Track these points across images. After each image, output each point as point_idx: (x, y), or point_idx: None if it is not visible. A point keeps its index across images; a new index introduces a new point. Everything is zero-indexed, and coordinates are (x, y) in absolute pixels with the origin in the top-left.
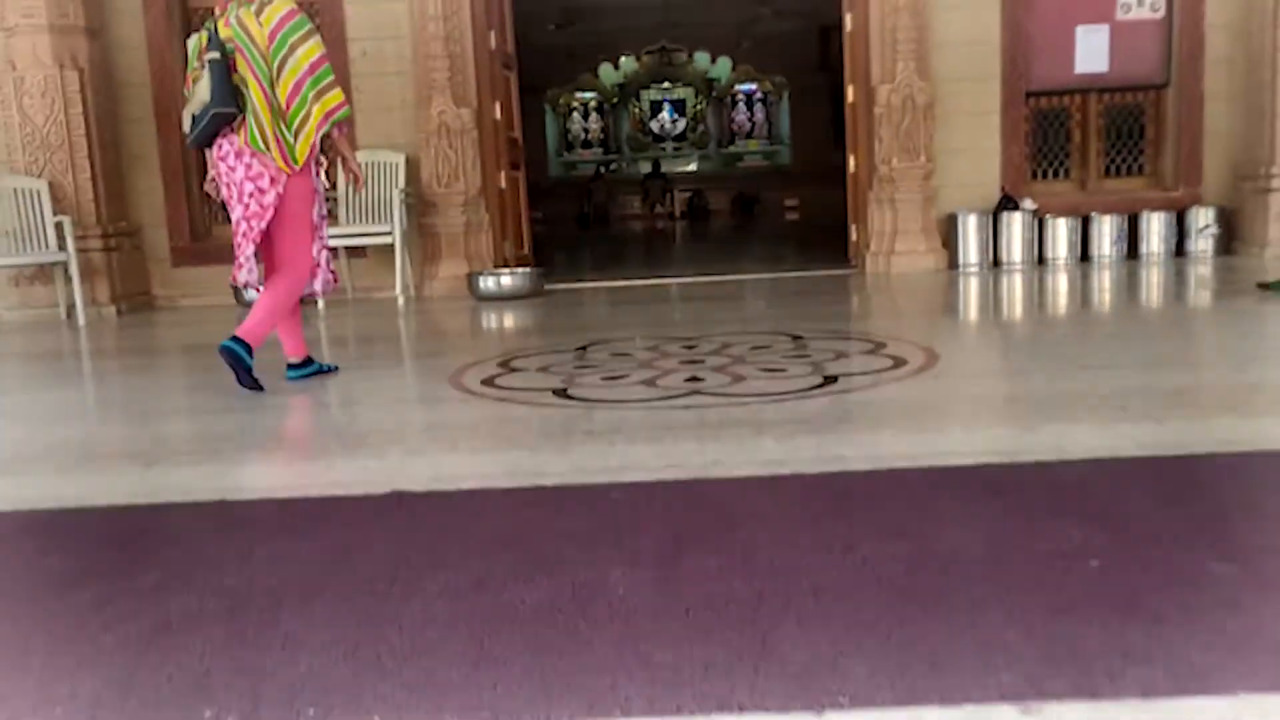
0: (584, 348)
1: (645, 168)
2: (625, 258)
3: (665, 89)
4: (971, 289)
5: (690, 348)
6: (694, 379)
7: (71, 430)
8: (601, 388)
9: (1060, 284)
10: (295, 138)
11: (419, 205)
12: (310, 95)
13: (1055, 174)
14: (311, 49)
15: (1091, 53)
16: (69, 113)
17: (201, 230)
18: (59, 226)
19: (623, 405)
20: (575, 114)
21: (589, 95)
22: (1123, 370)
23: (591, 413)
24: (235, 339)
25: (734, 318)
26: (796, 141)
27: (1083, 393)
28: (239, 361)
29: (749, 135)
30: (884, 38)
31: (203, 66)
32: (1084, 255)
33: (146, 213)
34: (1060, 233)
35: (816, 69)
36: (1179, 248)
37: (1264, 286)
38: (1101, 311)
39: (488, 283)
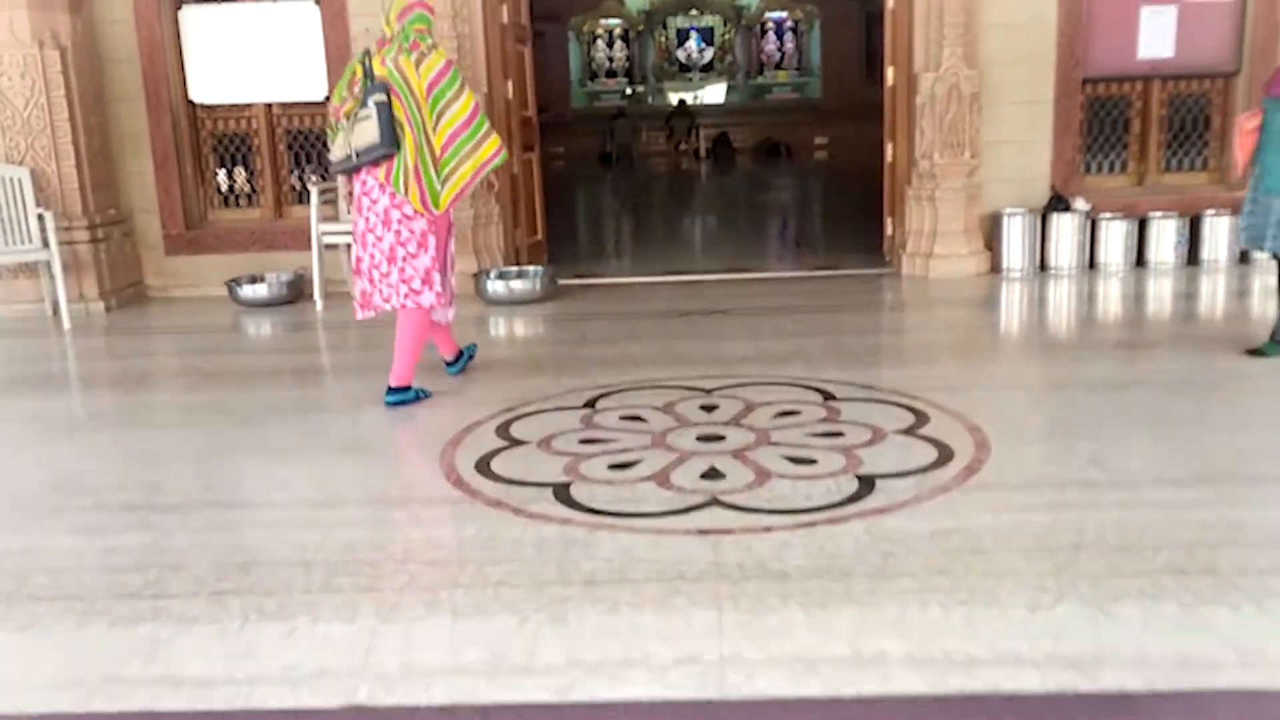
0: (593, 402)
1: (671, 99)
2: (644, 229)
3: (693, 16)
4: (1017, 308)
5: (709, 409)
6: (712, 473)
7: (9, 539)
8: (608, 486)
9: (1116, 304)
10: (443, 185)
11: None
12: (466, 148)
13: (1110, 167)
14: (466, 102)
15: (1156, 36)
16: (50, 95)
17: (196, 216)
18: (41, 219)
19: (630, 525)
20: (599, 42)
21: (614, 22)
22: (1204, 489)
23: (594, 538)
24: (391, 389)
25: (758, 351)
26: (827, 73)
27: (1162, 535)
28: (409, 400)
29: (778, 66)
30: (929, 20)
31: (362, 104)
32: (1139, 260)
33: (137, 197)
34: (1115, 236)
35: None
36: (1244, 254)
37: (1255, 353)
38: (1165, 360)
39: (496, 287)
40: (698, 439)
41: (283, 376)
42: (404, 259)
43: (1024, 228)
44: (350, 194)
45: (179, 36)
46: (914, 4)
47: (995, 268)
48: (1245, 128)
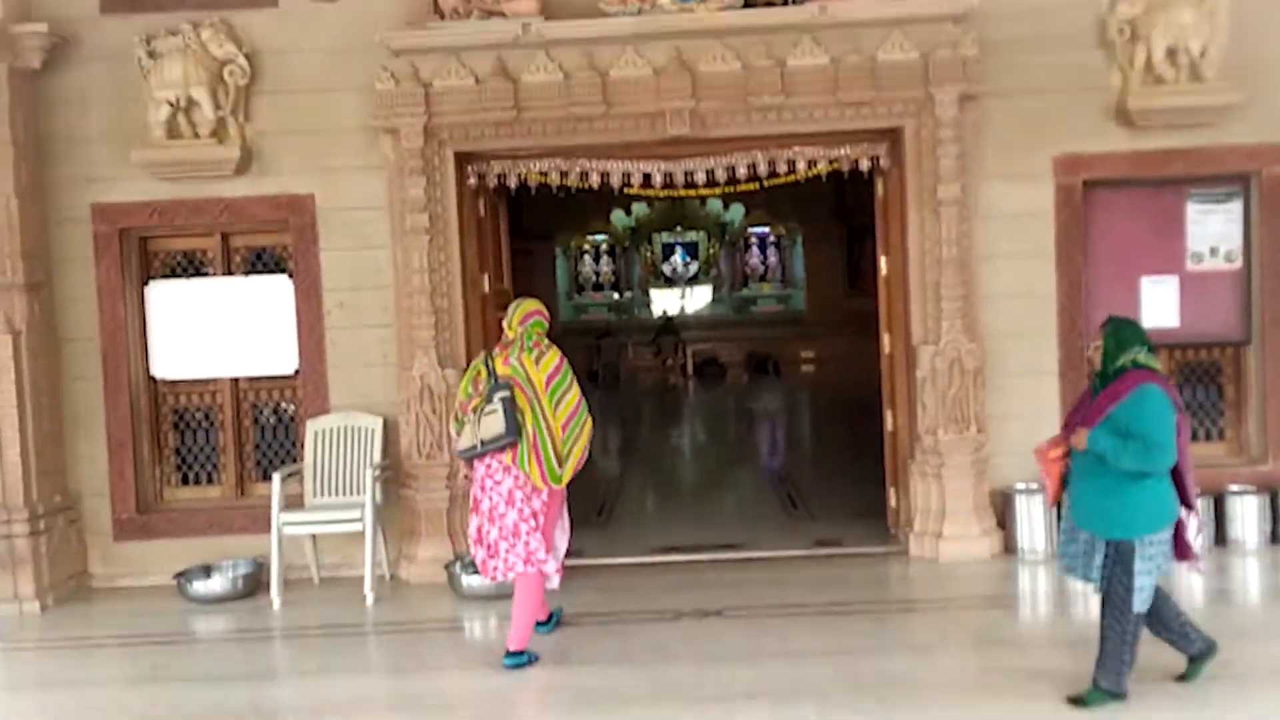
0: None
1: (657, 307)
2: (631, 475)
3: (678, 232)
4: (1041, 611)
5: None
6: None
7: None
8: None
9: None
10: (562, 464)
11: (397, 475)
12: (576, 431)
13: None
14: (575, 395)
15: (1159, 306)
16: (0, 381)
17: (150, 498)
18: None
19: None
20: (586, 256)
21: (601, 238)
22: None
23: None
24: (510, 653)
25: (761, 680)
26: (811, 286)
27: None
28: (523, 664)
29: (762, 278)
30: (926, 292)
31: (488, 400)
32: None
33: (88, 481)
34: None
35: (830, 215)
36: (1274, 533)
37: (1076, 702)
38: (1219, 702)
39: (472, 582)
40: None
41: None
42: (527, 532)
43: (1038, 506)
44: (468, 477)
45: (143, 311)
46: (909, 273)
47: (1010, 547)
48: (1049, 455)
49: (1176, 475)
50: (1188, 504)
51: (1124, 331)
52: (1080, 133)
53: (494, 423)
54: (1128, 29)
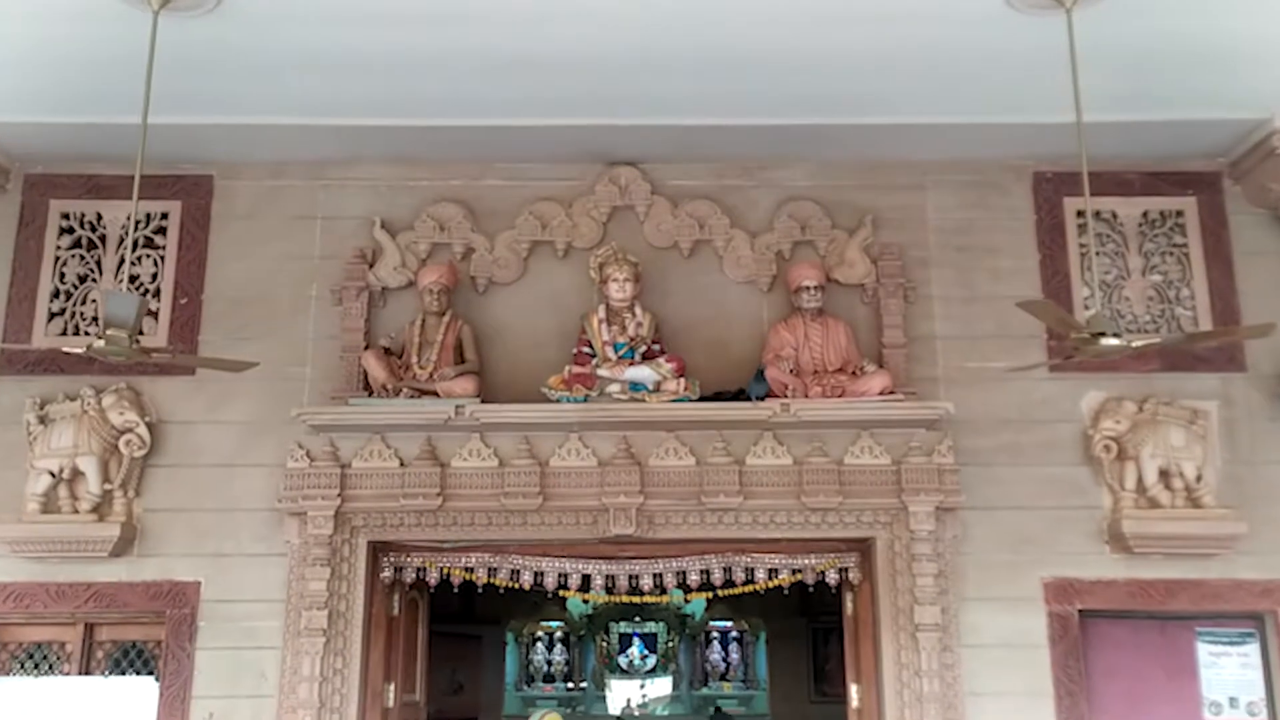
0: None
1: (613, 702)
2: None
3: (636, 623)
4: None
5: None
6: None
7: None
8: None
9: None
10: None
11: None
12: None
13: None
14: None
15: None
16: None
17: None
18: None
19: None
20: (539, 645)
21: (555, 625)
22: None
23: None
24: None
25: None
26: (775, 688)
27: None
28: None
29: (723, 677)
30: None
31: None
32: None
33: None
34: None
35: (796, 613)
36: None
37: None
38: None
39: None
40: None
41: None
42: None
43: None
44: None
45: None
46: (884, 709)
47: None
48: None
49: None
50: None
51: None
52: (1071, 555)
53: None
54: (1114, 446)
